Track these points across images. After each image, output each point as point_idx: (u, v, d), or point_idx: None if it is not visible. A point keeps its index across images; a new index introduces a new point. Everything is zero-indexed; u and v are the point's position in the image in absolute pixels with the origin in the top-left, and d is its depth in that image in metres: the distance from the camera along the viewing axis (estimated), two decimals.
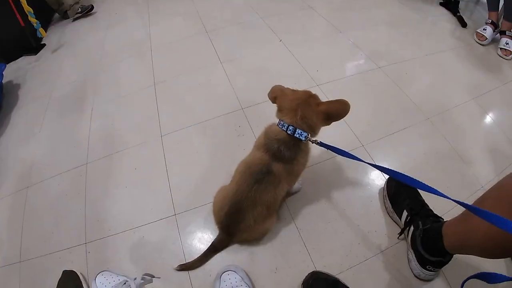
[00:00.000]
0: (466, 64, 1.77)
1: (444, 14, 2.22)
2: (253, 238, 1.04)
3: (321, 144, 0.90)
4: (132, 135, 1.45)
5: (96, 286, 0.98)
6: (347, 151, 0.88)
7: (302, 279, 0.96)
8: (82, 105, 1.69)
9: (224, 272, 0.96)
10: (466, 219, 0.81)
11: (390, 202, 1.10)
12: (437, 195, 0.67)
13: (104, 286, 0.97)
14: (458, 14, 2.17)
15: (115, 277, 0.99)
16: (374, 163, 0.85)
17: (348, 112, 0.90)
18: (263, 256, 1.04)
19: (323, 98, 1.46)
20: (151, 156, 1.35)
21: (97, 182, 1.31)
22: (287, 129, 0.88)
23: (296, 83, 1.60)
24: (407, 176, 0.74)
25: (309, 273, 0.96)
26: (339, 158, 1.26)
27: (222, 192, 1.02)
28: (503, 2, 1.93)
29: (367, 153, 1.30)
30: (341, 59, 1.80)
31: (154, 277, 0.90)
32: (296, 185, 1.15)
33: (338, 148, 0.89)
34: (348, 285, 0.95)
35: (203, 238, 1.09)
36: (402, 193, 1.08)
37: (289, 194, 1.15)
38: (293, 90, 0.96)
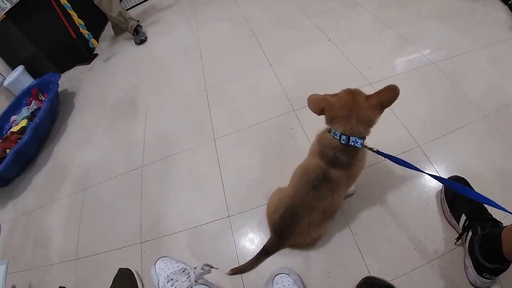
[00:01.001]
0: None
1: (495, 3, 2.08)
2: (306, 243, 1.04)
3: (378, 152, 0.89)
4: (186, 138, 1.52)
5: (156, 270, 1.03)
6: (403, 159, 0.86)
7: (356, 284, 0.96)
8: (136, 111, 1.79)
9: (277, 275, 0.97)
10: None
11: (448, 206, 1.06)
12: (496, 207, 0.64)
13: (163, 271, 1.02)
14: (509, 2, 2.02)
15: (174, 264, 1.04)
16: (433, 174, 0.82)
17: (399, 94, 0.88)
18: (317, 259, 1.04)
19: None
20: (205, 159, 1.40)
21: (152, 184, 1.38)
22: (340, 139, 0.87)
23: (348, 82, 1.55)
24: (466, 187, 0.71)
25: (363, 278, 0.96)
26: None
27: (278, 195, 1.03)
28: None
29: (424, 154, 1.25)
30: (392, 56, 1.75)
31: (213, 267, 0.94)
32: (351, 188, 1.14)
33: (395, 157, 0.87)
34: None
35: (255, 240, 1.12)
36: (461, 196, 1.04)
37: (346, 196, 1.14)
38: (333, 95, 0.93)
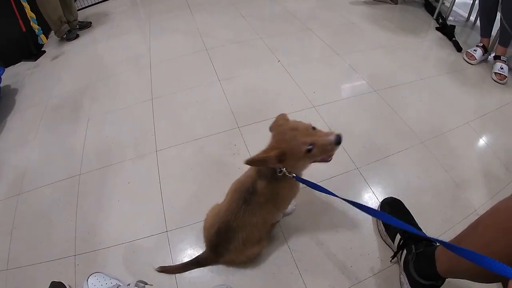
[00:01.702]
0: (460, 88, 1.80)
1: (440, 39, 2.27)
2: (240, 262, 1.01)
3: (296, 178, 0.86)
4: (127, 148, 1.45)
5: (88, 287, 0.96)
6: (320, 185, 0.86)
7: None
8: (79, 115, 1.69)
9: None
10: (459, 243, 0.81)
11: (383, 226, 1.10)
12: (412, 232, 0.67)
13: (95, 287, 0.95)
14: (453, 38, 2.21)
15: (107, 280, 0.98)
16: (349, 199, 0.82)
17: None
18: (255, 276, 1.02)
19: (320, 120, 1.48)
20: (145, 171, 1.34)
21: (89, 194, 1.30)
22: None
23: (293, 104, 1.62)
24: (383, 213, 0.73)
25: None
26: (336, 180, 1.27)
27: (215, 210, 1.01)
28: (497, 29, 1.97)
29: (361, 176, 1.30)
30: (338, 82, 1.83)
31: (147, 284, 0.90)
32: (290, 207, 1.14)
33: (313, 183, 0.86)
34: None
35: (194, 255, 1.07)
36: (396, 217, 1.08)
37: (283, 215, 1.14)
38: (293, 122, 0.88)
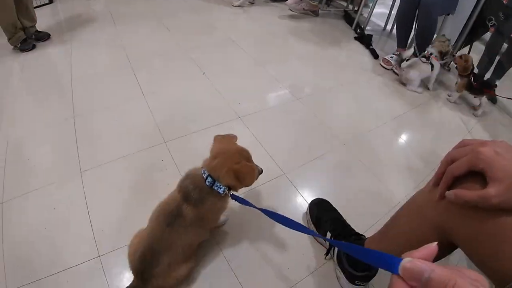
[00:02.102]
0: (377, 92, 1.99)
1: (358, 47, 2.48)
2: (169, 285, 0.97)
3: (232, 197, 0.91)
4: (49, 172, 1.33)
5: None
6: (249, 201, 0.91)
7: None
8: None
9: None
10: (385, 233, 0.90)
11: (314, 225, 1.16)
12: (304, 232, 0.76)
13: None
14: (371, 47, 2.44)
15: None
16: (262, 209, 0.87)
17: (254, 179, 0.94)
18: None
19: (244, 130, 1.53)
20: (71, 194, 1.25)
21: (14, 224, 1.17)
22: (206, 179, 0.88)
23: (219, 115, 1.64)
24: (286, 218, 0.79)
25: None
26: (265, 187, 1.31)
27: (138, 235, 0.97)
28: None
29: (289, 180, 1.36)
30: (261, 91, 1.90)
31: None
32: (222, 218, 1.15)
33: (248, 202, 0.91)
34: None
35: (131, 278, 1.03)
36: (324, 216, 1.15)
37: (215, 227, 1.15)
38: (231, 143, 0.98)
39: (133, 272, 0.93)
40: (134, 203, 1.23)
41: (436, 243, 0.32)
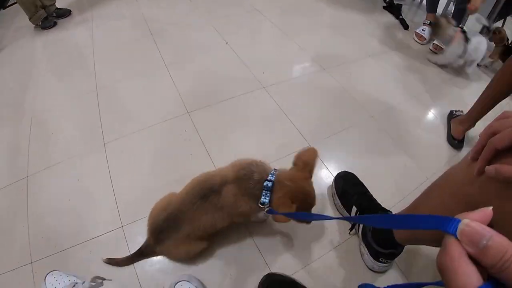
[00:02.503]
0: (407, 64, 1.87)
1: (387, 17, 2.34)
2: (176, 254, 0.98)
3: (269, 211, 0.84)
4: (74, 144, 1.36)
5: (46, 286, 0.91)
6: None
7: (258, 282, 0.95)
8: (19, 113, 1.55)
9: (177, 282, 0.92)
10: (415, 209, 0.84)
11: (339, 199, 1.12)
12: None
13: (53, 287, 0.91)
14: (400, 17, 2.29)
15: (65, 277, 0.93)
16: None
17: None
18: (217, 262, 1.01)
19: (269, 100, 1.50)
20: (94, 166, 1.26)
21: (39, 197, 1.21)
22: (267, 179, 0.84)
23: (243, 85, 1.60)
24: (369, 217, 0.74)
25: (264, 276, 0.95)
26: (290, 158, 1.27)
27: (166, 198, 0.97)
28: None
29: None
30: (287, 62, 1.83)
31: (105, 279, 0.87)
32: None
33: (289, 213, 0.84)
34: (305, 284, 0.95)
35: None
36: (350, 189, 1.11)
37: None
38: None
39: (149, 230, 0.94)
40: (157, 174, 1.23)
41: (491, 207, 0.29)
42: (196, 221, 0.88)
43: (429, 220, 0.31)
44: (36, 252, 1.06)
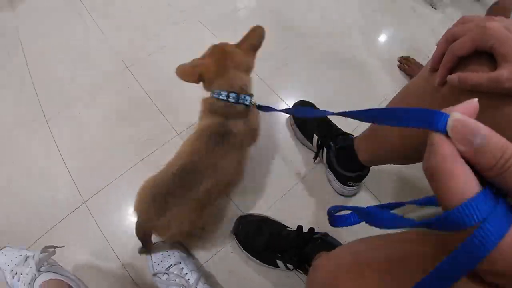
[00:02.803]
0: None
1: None
2: (183, 226, 0.79)
3: (258, 107, 0.84)
4: (16, 128, 1.22)
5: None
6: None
7: (232, 226, 0.96)
8: None
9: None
10: (376, 130, 0.84)
11: (299, 129, 1.12)
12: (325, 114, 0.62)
13: (7, 265, 0.83)
14: None
15: (16, 252, 0.86)
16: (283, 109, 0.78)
17: (264, 31, 0.84)
18: None
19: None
20: (41, 146, 1.16)
21: None
22: (227, 99, 0.77)
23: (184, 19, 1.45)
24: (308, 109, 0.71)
25: (236, 219, 0.97)
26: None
27: (157, 173, 0.78)
28: None
29: (267, 86, 1.28)
30: None
31: (57, 247, 0.83)
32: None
33: (273, 108, 0.82)
34: (277, 219, 0.97)
35: (120, 216, 1.01)
36: (308, 118, 1.10)
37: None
38: (202, 58, 0.85)
39: (148, 199, 0.74)
40: (108, 139, 1.15)
41: (477, 99, 0.24)
42: (218, 168, 0.76)
43: (412, 115, 0.26)
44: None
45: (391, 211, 0.33)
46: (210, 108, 0.80)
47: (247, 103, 0.79)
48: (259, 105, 0.85)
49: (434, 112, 0.23)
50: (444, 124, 0.22)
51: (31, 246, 0.97)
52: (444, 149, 0.22)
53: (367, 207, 0.34)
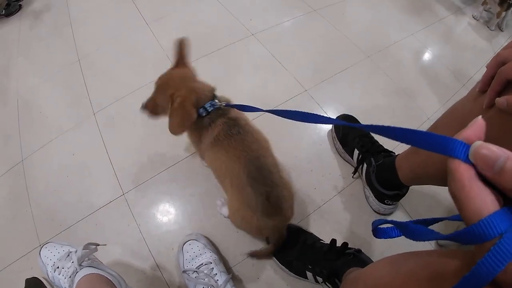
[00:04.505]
0: (401, 2, 1.77)
1: None
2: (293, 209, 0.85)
3: (227, 104, 0.83)
4: (64, 119, 1.31)
5: (42, 261, 0.89)
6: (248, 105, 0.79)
7: None
8: (4, 98, 1.50)
9: (186, 242, 0.92)
10: (418, 150, 0.82)
11: (340, 143, 1.10)
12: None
13: (49, 259, 0.88)
14: None
15: (59, 248, 0.91)
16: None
17: (184, 42, 0.91)
18: (222, 219, 1.01)
19: (260, 48, 1.42)
20: (87, 137, 1.23)
21: (37, 178, 1.18)
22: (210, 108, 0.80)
23: (231, 35, 1.51)
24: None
25: None
26: (286, 105, 1.24)
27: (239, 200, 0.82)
28: None
29: (311, 97, 1.28)
30: (275, 5, 1.70)
31: (99, 245, 0.85)
32: None
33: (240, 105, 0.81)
34: (311, 231, 0.95)
35: (157, 212, 1.04)
36: (351, 132, 1.08)
37: None
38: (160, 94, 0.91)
39: (264, 210, 0.78)
40: (150, 135, 1.20)
41: (481, 116, 0.26)
42: (256, 143, 0.79)
43: (432, 140, 0.28)
44: (43, 234, 1.06)
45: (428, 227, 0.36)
46: (199, 126, 0.81)
47: (214, 108, 0.80)
48: (227, 104, 0.82)
49: (451, 140, 0.26)
50: (461, 151, 0.25)
51: (63, 232, 1.02)
52: (461, 174, 0.25)
53: (405, 222, 0.36)
